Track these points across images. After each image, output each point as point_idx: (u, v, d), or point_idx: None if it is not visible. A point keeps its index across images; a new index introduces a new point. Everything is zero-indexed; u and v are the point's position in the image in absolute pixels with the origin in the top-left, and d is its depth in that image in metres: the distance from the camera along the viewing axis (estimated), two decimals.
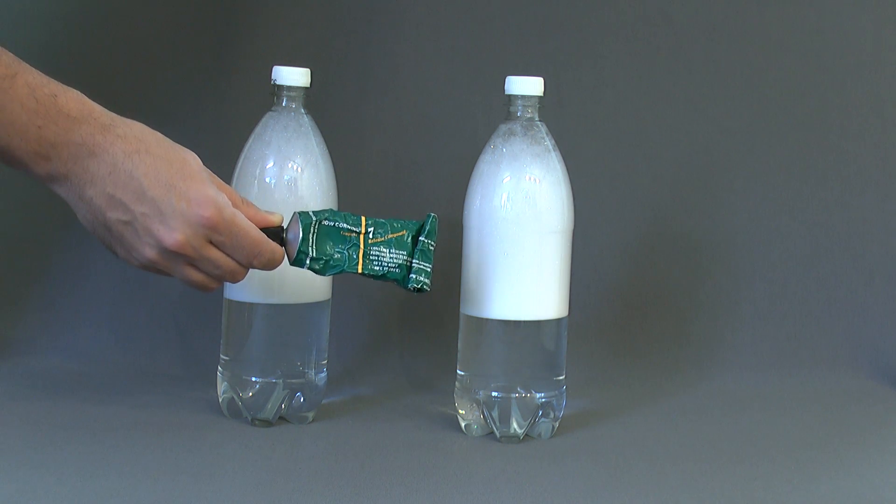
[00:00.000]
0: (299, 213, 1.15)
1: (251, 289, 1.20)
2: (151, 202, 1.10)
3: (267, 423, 1.21)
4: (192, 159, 1.13)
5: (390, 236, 1.16)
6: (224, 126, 1.43)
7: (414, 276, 1.16)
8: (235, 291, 1.21)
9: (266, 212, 1.16)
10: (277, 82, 1.22)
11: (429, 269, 1.16)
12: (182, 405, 1.26)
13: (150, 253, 1.11)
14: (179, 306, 1.44)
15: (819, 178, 1.49)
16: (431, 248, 1.16)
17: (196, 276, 1.13)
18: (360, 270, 1.15)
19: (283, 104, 1.22)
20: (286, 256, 1.15)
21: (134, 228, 1.11)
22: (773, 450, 1.20)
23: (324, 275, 1.15)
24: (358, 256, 1.15)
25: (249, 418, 1.21)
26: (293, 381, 1.22)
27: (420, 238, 1.16)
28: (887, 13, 1.50)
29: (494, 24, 1.49)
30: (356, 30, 1.48)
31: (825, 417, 1.32)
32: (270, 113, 1.23)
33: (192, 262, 1.12)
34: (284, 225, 1.16)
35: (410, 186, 1.47)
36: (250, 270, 1.16)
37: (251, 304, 1.21)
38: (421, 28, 1.49)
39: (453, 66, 1.49)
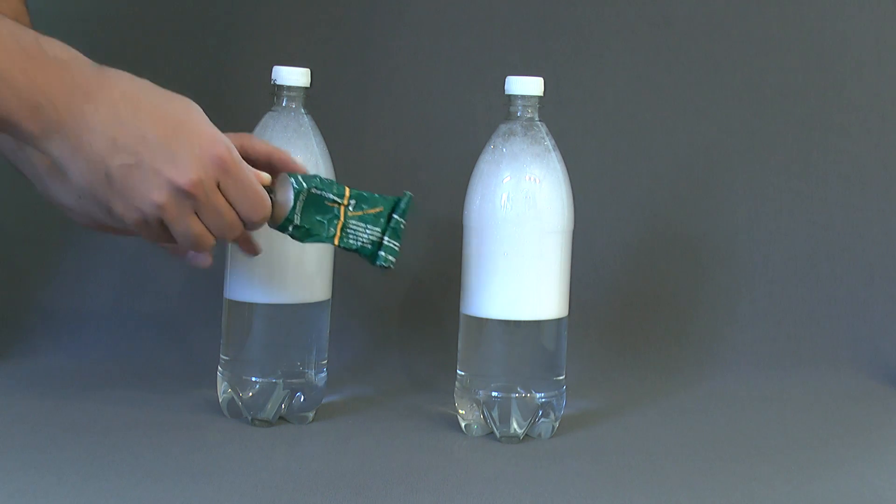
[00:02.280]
0: (290, 176, 1.13)
1: (251, 289, 1.20)
2: (160, 143, 1.03)
3: (267, 423, 1.21)
4: (192, 102, 1.07)
5: (368, 211, 1.15)
6: (224, 126, 1.42)
7: (383, 255, 1.16)
8: (235, 291, 1.21)
9: (255, 169, 1.11)
10: (277, 82, 1.22)
11: (397, 249, 1.16)
12: (182, 405, 1.26)
13: (158, 196, 1.04)
14: (179, 306, 1.44)
15: (819, 178, 1.49)
16: (403, 227, 1.16)
17: (197, 227, 1.07)
18: (336, 243, 1.15)
19: (283, 104, 1.22)
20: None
21: (142, 171, 1.03)
22: (773, 449, 1.20)
23: (301, 242, 1.14)
24: (336, 229, 1.14)
25: (249, 418, 1.21)
26: (293, 381, 1.22)
27: (393, 216, 1.16)
28: (887, 13, 1.50)
29: (494, 24, 1.49)
30: (356, 30, 1.48)
31: (825, 417, 1.32)
32: (270, 113, 1.23)
33: (198, 208, 1.06)
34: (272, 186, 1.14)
35: (410, 186, 1.47)
36: (250, 271, 1.16)
37: (251, 304, 1.21)
38: (421, 28, 1.49)
39: (453, 66, 1.49)
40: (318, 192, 1.13)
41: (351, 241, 1.15)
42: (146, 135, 1.03)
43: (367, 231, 1.16)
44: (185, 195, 1.05)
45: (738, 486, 1.10)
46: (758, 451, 1.20)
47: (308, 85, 1.23)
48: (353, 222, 1.15)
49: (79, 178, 1.04)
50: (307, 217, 1.13)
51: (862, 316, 1.47)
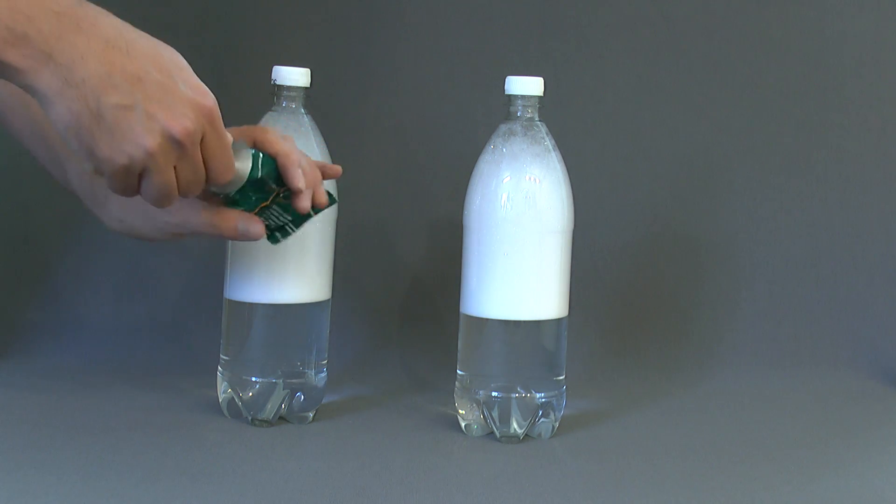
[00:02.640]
0: (252, 153, 1.11)
1: (251, 289, 1.20)
2: (156, 86, 0.98)
3: (267, 423, 1.21)
4: (175, 51, 1.02)
5: (287, 202, 1.14)
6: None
7: (278, 235, 1.15)
8: (235, 291, 1.21)
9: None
10: (277, 82, 1.22)
11: (293, 234, 1.15)
12: (182, 405, 1.26)
13: (150, 142, 0.98)
14: (179, 306, 1.44)
15: (819, 178, 1.49)
16: (310, 218, 1.15)
17: (171, 179, 1.01)
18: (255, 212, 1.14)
19: (283, 104, 1.22)
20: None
21: (136, 114, 0.98)
22: (773, 449, 1.21)
23: (226, 205, 1.12)
24: (259, 206, 1.13)
25: (249, 418, 1.21)
26: (293, 381, 1.22)
27: (311, 211, 1.15)
28: (887, 13, 1.50)
29: (494, 24, 1.49)
30: (356, 30, 1.48)
31: (825, 417, 1.32)
32: (270, 113, 1.23)
33: (180, 160, 1.01)
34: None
35: (410, 186, 1.47)
36: (250, 271, 1.15)
37: (251, 304, 1.21)
38: (421, 28, 1.49)
39: (453, 66, 1.49)
40: (268, 179, 1.12)
41: (263, 218, 1.13)
42: (142, 76, 0.98)
43: (281, 217, 1.14)
44: (176, 144, 1.00)
45: (738, 486, 1.10)
46: (758, 451, 1.20)
47: (308, 85, 1.23)
48: (276, 207, 1.14)
49: (65, 114, 0.98)
50: (244, 191, 1.12)
51: (862, 316, 1.47)
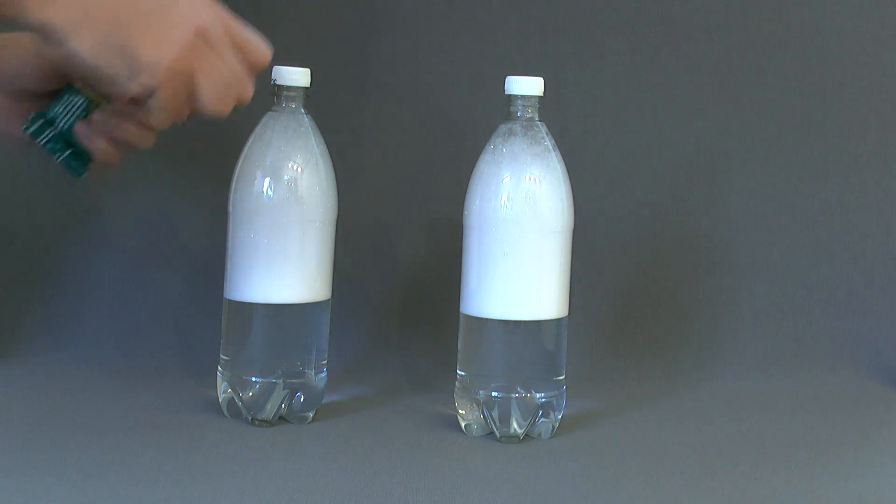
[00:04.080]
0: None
1: (251, 289, 1.20)
2: None
3: (267, 423, 1.21)
4: None
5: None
6: (224, 126, 1.42)
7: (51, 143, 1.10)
8: (236, 291, 1.21)
9: None
10: (277, 82, 1.22)
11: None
12: (182, 405, 1.26)
13: (199, 21, 0.97)
14: (179, 306, 1.44)
15: (819, 178, 1.49)
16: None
17: (232, 63, 1.01)
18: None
19: (283, 104, 1.22)
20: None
21: (176, 7, 0.97)
22: (773, 450, 1.21)
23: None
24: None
25: (249, 418, 1.21)
26: (293, 381, 1.22)
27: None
28: (887, 13, 1.50)
29: (494, 24, 1.49)
30: (356, 30, 1.48)
31: (825, 418, 1.32)
32: (270, 113, 1.23)
33: (227, 45, 1.01)
34: None
35: (410, 186, 1.47)
36: (251, 270, 1.15)
37: (251, 304, 1.21)
38: (421, 28, 1.49)
39: (453, 66, 1.49)
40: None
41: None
42: None
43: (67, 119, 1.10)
44: (220, 24, 1.00)
45: (738, 486, 1.10)
46: (758, 452, 1.20)
47: (308, 85, 1.23)
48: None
49: (89, 39, 0.95)
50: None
51: (862, 316, 1.47)
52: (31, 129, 1.09)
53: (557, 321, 1.20)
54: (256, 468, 1.10)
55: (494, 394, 1.19)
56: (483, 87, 1.43)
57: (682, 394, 1.38)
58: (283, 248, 1.19)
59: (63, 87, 1.08)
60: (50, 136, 1.09)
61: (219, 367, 1.23)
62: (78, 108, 1.09)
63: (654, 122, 1.49)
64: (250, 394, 1.21)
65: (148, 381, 1.34)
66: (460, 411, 1.22)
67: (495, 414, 1.19)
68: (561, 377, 1.22)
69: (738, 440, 1.23)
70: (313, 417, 1.23)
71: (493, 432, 1.20)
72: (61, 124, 1.09)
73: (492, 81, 1.26)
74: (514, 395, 1.19)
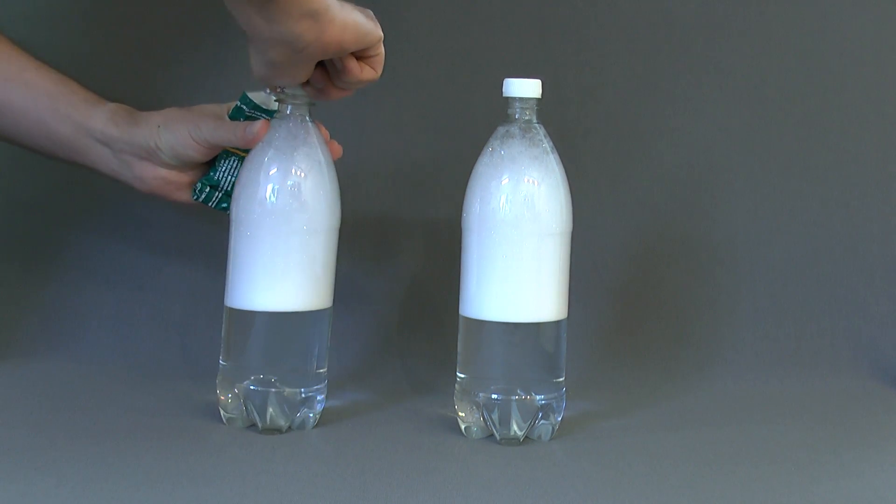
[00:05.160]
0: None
1: (252, 296, 1.20)
2: None
3: (267, 431, 1.21)
4: None
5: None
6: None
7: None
8: (236, 299, 1.21)
9: None
10: (285, 90, 1.22)
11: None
12: (182, 409, 1.26)
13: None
14: (180, 309, 1.44)
15: (819, 178, 1.49)
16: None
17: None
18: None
19: (288, 110, 1.22)
20: None
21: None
22: (773, 451, 1.21)
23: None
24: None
25: (248, 425, 1.21)
26: (292, 387, 1.21)
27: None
28: (887, 13, 1.50)
29: (494, 24, 1.49)
30: None
31: (825, 418, 1.32)
32: (275, 121, 1.22)
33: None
34: None
35: (410, 187, 1.47)
36: (252, 278, 1.16)
37: (252, 312, 1.21)
38: (421, 28, 1.49)
39: (453, 66, 1.49)
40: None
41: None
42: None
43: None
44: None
45: (739, 487, 1.10)
46: (758, 452, 1.20)
47: None
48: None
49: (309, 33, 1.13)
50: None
51: (862, 316, 1.47)
52: (202, 197, 1.28)
53: (557, 323, 1.20)
54: (257, 472, 1.10)
55: (494, 396, 1.19)
56: (482, 88, 1.43)
57: (682, 395, 1.38)
58: (285, 255, 1.19)
59: (217, 154, 1.26)
60: (219, 197, 1.28)
61: (219, 373, 1.23)
62: (236, 168, 1.26)
63: (654, 123, 1.49)
64: (250, 401, 1.21)
65: (148, 384, 1.34)
66: (460, 414, 1.22)
67: (495, 416, 1.19)
68: (561, 379, 1.22)
69: (739, 441, 1.23)
70: (314, 422, 1.23)
71: (493, 434, 1.20)
72: (226, 186, 1.27)
73: (491, 82, 1.26)
74: (513, 398, 1.19)
